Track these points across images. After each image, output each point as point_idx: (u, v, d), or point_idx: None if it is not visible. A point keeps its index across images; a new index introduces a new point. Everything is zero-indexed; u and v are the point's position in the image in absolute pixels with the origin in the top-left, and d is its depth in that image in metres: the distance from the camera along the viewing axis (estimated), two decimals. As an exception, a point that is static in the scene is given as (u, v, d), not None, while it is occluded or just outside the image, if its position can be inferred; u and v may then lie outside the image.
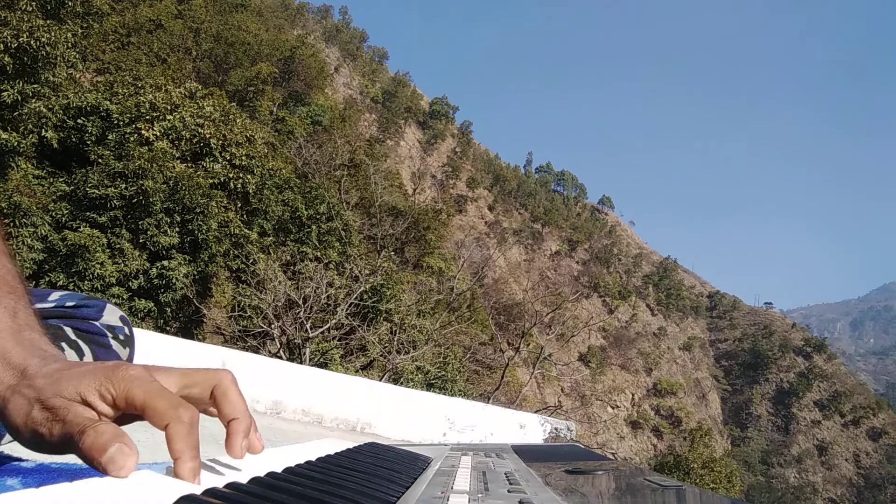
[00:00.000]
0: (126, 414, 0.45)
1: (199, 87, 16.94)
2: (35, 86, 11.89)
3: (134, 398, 0.43)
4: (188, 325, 14.75)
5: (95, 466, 0.40)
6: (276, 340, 14.15)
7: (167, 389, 0.46)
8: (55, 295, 0.93)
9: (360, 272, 15.85)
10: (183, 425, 0.43)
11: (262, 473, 0.50)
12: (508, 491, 0.61)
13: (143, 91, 14.62)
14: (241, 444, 0.47)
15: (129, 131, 13.77)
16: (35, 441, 0.43)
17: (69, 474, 0.63)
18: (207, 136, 14.93)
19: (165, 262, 12.97)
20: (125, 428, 0.45)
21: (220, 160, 15.19)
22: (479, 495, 0.57)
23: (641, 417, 62.35)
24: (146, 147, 13.53)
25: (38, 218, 11.85)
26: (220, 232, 14.56)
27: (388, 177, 26.78)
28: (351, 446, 0.85)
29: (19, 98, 11.59)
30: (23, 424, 0.43)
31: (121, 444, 0.40)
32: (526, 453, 1.13)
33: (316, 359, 14.21)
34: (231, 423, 0.47)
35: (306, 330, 14.20)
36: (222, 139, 15.31)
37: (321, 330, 14.55)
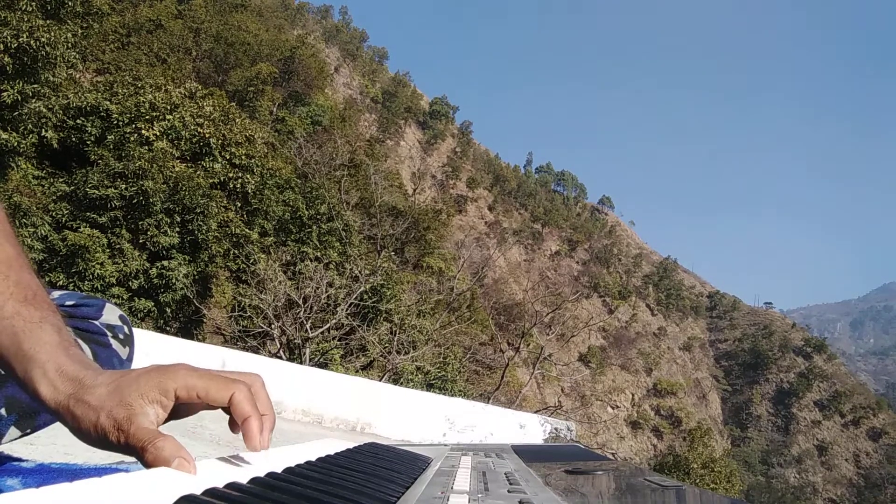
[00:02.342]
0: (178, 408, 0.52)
1: (199, 87, 16.93)
2: (35, 86, 11.89)
3: (195, 385, 0.50)
4: (188, 325, 14.75)
5: None
6: (276, 340, 14.15)
7: (219, 374, 0.52)
8: (54, 294, 0.93)
9: (360, 272, 15.85)
10: (244, 392, 0.51)
11: (262, 473, 0.50)
12: (508, 491, 0.61)
13: (143, 91, 14.60)
14: (268, 436, 0.52)
15: (128, 131, 13.76)
16: (103, 444, 0.49)
17: (69, 474, 0.63)
18: (207, 135, 14.93)
19: (165, 262, 12.97)
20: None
21: (220, 160, 15.19)
22: (479, 495, 0.57)
23: (641, 417, 62.35)
24: (146, 147, 13.52)
25: (38, 218, 11.85)
26: (220, 232, 14.56)
27: (388, 177, 26.77)
28: (351, 446, 0.85)
29: (19, 98, 11.59)
30: (92, 430, 0.49)
31: (180, 459, 0.46)
32: (526, 453, 1.13)
33: (316, 359, 14.21)
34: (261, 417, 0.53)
35: (306, 330, 14.20)
36: (222, 139, 15.30)
37: (321, 330, 14.55)
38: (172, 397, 0.50)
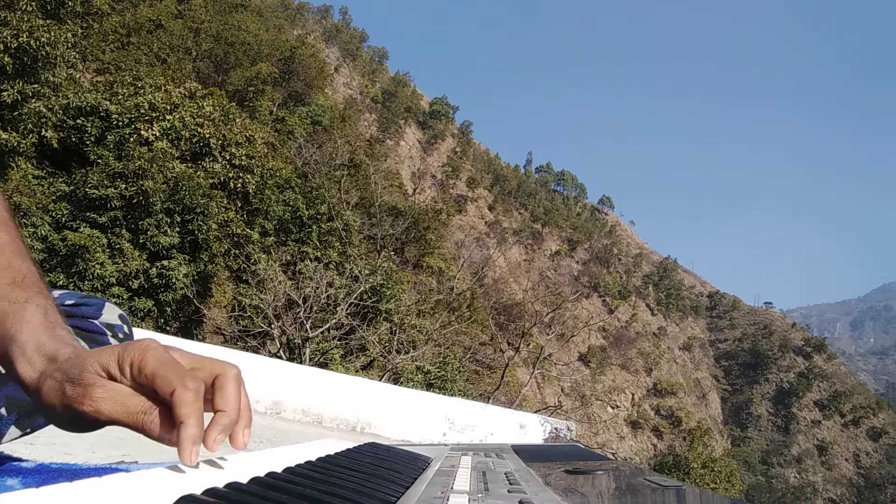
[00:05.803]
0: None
1: (199, 87, 16.93)
2: (35, 86, 11.90)
3: (145, 366, 0.47)
4: (188, 325, 14.74)
5: (171, 444, 0.44)
6: (276, 340, 14.15)
7: (178, 362, 0.49)
8: (54, 293, 0.93)
9: (360, 272, 15.85)
10: (189, 392, 0.46)
11: (262, 473, 0.50)
12: (508, 491, 0.61)
13: (142, 91, 14.60)
14: (215, 436, 0.46)
15: (128, 132, 13.76)
16: (71, 418, 0.47)
17: (69, 474, 0.63)
18: (207, 135, 14.93)
19: (165, 262, 12.97)
20: None
21: (220, 160, 15.19)
22: (479, 495, 0.57)
23: (641, 417, 62.35)
24: (146, 147, 13.53)
25: (38, 218, 11.85)
26: (220, 232, 14.56)
27: (388, 177, 26.79)
28: (351, 446, 0.85)
29: (19, 98, 11.60)
30: (59, 403, 0.47)
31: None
32: (526, 453, 1.13)
33: (316, 359, 14.21)
34: (216, 414, 0.48)
35: (306, 330, 14.20)
36: (222, 139, 15.30)
37: (321, 330, 14.55)
38: (128, 375, 0.47)
